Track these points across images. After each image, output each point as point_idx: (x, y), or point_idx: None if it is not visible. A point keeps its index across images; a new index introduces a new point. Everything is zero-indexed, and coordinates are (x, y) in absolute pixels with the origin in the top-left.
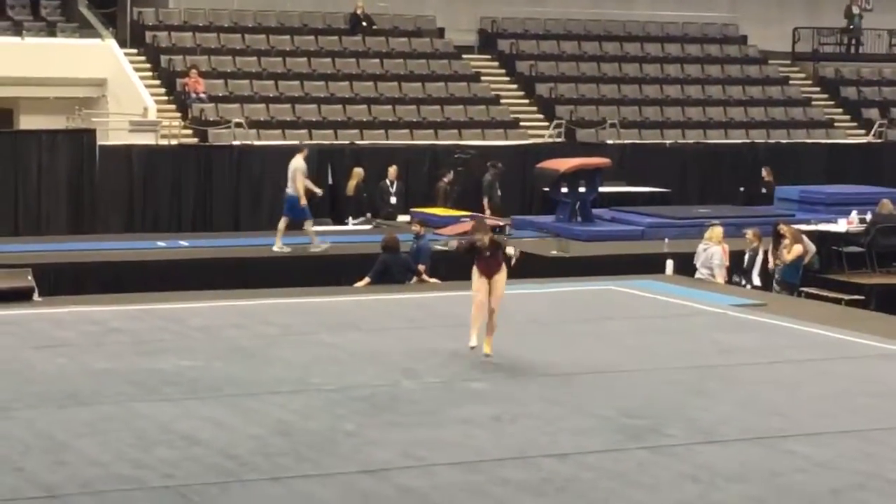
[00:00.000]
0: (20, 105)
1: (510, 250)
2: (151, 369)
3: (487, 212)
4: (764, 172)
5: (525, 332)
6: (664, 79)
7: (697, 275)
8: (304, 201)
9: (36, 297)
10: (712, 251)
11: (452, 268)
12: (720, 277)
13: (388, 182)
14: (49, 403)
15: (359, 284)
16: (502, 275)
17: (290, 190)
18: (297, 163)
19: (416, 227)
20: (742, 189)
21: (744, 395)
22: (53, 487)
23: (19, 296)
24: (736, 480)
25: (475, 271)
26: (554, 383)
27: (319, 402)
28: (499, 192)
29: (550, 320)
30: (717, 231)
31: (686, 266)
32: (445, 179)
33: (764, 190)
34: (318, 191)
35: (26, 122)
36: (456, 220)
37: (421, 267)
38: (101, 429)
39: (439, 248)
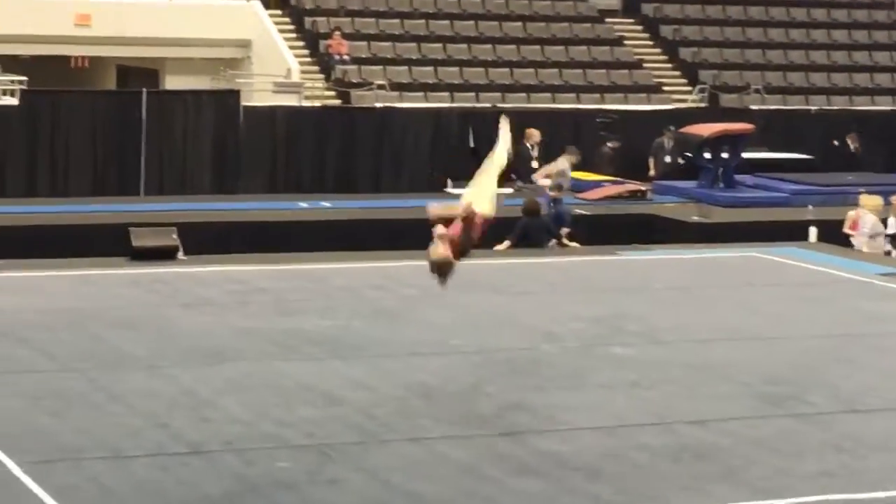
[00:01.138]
0: (166, 65)
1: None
2: (294, 329)
3: (651, 172)
4: (849, 140)
5: (665, 298)
6: (810, 44)
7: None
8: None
9: (180, 255)
10: (863, 220)
11: (593, 232)
12: (867, 246)
13: (528, 146)
14: (193, 361)
15: (499, 247)
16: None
17: None
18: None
19: (553, 193)
20: (836, 143)
21: (889, 365)
22: (197, 444)
23: (164, 254)
24: (881, 450)
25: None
26: (694, 349)
27: (460, 365)
28: (667, 157)
29: (691, 286)
30: (867, 199)
31: (830, 234)
32: (610, 145)
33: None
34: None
35: (172, 83)
36: (597, 184)
37: (563, 231)
38: (244, 386)
39: (579, 212)
